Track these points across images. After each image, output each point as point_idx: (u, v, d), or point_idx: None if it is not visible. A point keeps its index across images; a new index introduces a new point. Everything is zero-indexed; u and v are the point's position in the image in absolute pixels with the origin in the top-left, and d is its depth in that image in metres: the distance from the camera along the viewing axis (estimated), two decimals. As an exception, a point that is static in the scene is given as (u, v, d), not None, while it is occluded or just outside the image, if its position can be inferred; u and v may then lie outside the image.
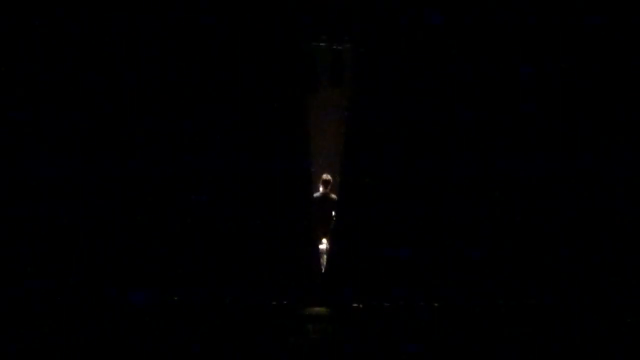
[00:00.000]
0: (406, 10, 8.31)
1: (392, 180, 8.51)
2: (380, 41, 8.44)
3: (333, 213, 9.70)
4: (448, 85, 8.44)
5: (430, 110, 8.45)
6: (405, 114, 8.46)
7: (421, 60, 8.42)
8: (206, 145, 8.49)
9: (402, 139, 8.48)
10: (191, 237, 8.53)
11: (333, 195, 9.67)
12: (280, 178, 8.54)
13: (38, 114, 8.33)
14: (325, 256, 10.16)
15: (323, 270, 9.28)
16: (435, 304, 8.70)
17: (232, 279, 8.59)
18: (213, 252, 8.56)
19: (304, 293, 8.83)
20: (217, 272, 8.59)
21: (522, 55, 8.40)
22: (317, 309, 8.68)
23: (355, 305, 8.77)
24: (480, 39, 8.39)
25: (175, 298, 8.57)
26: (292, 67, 8.52)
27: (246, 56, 8.41)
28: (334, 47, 8.88)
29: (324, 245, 10.05)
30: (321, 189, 9.62)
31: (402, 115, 8.45)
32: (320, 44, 8.87)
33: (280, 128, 8.51)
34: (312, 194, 9.10)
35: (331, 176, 9.79)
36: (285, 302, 8.75)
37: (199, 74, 8.41)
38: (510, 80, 8.46)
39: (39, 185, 8.38)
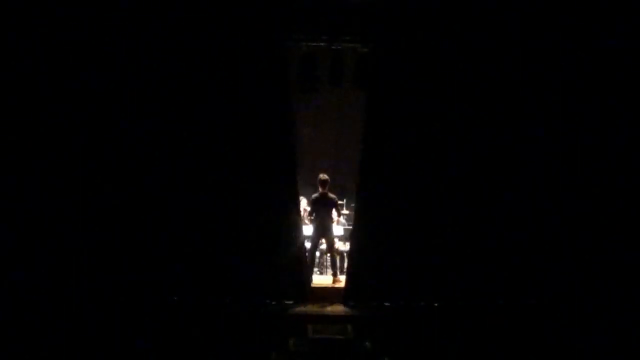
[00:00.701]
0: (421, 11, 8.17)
1: (396, 183, 8.51)
2: (399, 43, 8.26)
3: (333, 212, 9.75)
4: (463, 85, 8.33)
5: (443, 111, 8.34)
6: (423, 116, 8.29)
7: (438, 62, 8.17)
8: (203, 146, 8.45)
9: (406, 141, 8.47)
10: (190, 238, 8.51)
11: (331, 195, 9.67)
12: (269, 177, 8.46)
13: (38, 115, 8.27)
14: (325, 256, 10.22)
15: (313, 268, 9.29)
16: (435, 304, 8.74)
17: (231, 279, 8.59)
18: (212, 253, 8.54)
19: (302, 293, 8.86)
20: (216, 273, 8.57)
21: (542, 55, 8.12)
22: (317, 309, 8.70)
23: (356, 305, 8.80)
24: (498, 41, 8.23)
25: (175, 298, 8.56)
26: (289, 67, 8.50)
27: (244, 56, 8.38)
28: (334, 47, 8.84)
29: (323, 245, 10.08)
30: (320, 189, 9.60)
31: (419, 117, 8.32)
32: (320, 44, 8.84)
33: (271, 129, 8.44)
34: (298, 194, 9.01)
35: (328, 175, 9.78)
36: (285, 302, 8.77)
37: (196, 74, 8.35)
38: (526, 83, 8.16)
39: (37, 184, 8.34)
